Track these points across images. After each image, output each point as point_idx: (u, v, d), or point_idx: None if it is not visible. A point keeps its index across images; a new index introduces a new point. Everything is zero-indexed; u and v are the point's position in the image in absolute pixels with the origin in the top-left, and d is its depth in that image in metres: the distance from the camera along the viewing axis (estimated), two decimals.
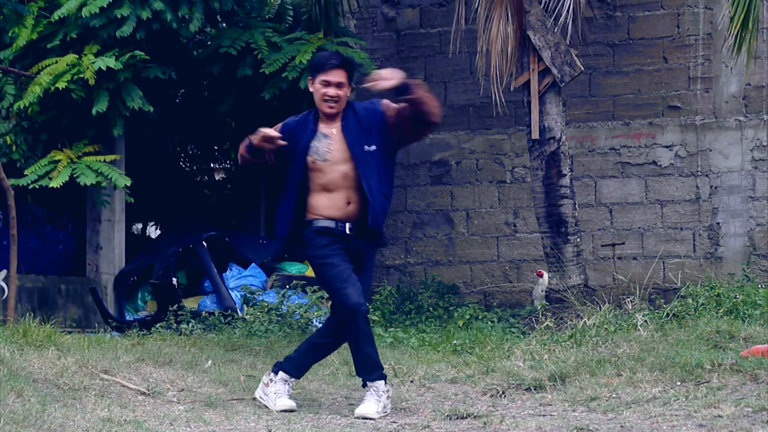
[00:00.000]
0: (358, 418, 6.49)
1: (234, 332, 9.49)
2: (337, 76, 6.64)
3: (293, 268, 12.23)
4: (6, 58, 11.48)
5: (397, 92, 6.53)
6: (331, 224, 6.62)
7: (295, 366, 6.81)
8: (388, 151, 6.71)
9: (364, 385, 6.63)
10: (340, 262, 6.56)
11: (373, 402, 6.55)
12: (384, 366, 7.86)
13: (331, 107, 6.65)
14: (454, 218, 13.09)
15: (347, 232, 6.61)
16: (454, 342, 9.07)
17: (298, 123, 6.76)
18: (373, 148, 6.62)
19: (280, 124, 6.78)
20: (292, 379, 6.82)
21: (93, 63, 10.86)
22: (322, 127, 6.68)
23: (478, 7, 10.92)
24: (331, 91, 6.63)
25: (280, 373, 6.77)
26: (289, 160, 6.67)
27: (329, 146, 6.63)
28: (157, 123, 13.05)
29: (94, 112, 11.07)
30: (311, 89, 6.74)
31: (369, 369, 6.60)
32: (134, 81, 11.26)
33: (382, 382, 6.60)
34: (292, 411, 6.66)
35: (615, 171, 12.52)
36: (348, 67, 6.73)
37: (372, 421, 6.39)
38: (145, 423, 6.03)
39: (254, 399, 6.84)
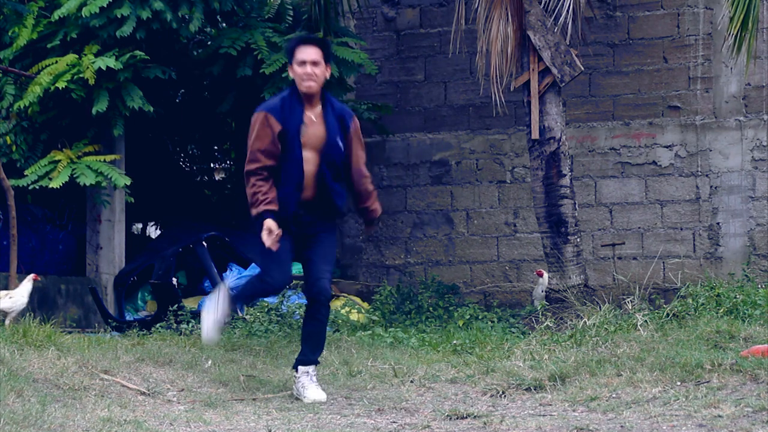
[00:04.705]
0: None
1: (234, 332, 9.49)
2: (312, 54, 6.79)
3: (293, 268, 12.21)
4: (6, 58, 11.48)
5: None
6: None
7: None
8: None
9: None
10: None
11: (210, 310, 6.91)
12: (384, 366, 7.89)
13: (309, 86, 6.77)
14: (454, 218, 13.09)
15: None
16: (454, 342, 9.07)
17: (284, 106, 6.84)
18: (341, 144, 6.90)
19: (265, 113, 6.81)
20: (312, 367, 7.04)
21: (93, 63, 10.86)
22: (307, 111, 6.84)
23: (478, 7, 10.92)
24: (308, 68, 6.76)
25: (300, 367, 7.03)
26: (286, 144, 6.79)
27: (314, 130, 6.85)
28: (157, 123, 13.05)
29: (94, 112, 11.07)
30: (291, 74, 6.88)
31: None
32: (134, 81, 11.26)
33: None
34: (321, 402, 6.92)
35: (615, 171, 12.52)
36: (322, 46, 6.88)
37: (372, 422, 6.39)
38: (145, 423, 6.03)
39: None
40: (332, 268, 7.09)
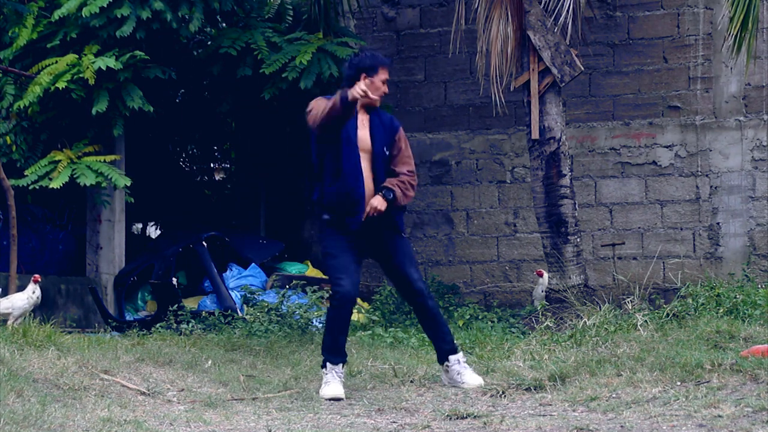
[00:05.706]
0: (329, 399, 7.01)
1: (234, 332, 9.49)
2: (388, 75, 7.35)
3: (293, 268, 12.23)
4: (6, 58, 11.48)
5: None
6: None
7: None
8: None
9: (324, 366, 7.20)
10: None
11: (339, 383, 7.14)
12: (384, 366, 7.88)
13: (378, 102, 7.27)
14: (454, 218, 13.09)
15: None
16: None
17: None
18: (387, 153, 7.32)
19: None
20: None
21: (93, 63, 10.86)
22: (359, 115, 7.25)
23: (478, 7, 10.92)
24: (385, 88, 7.29)
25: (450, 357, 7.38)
26: (336, 139, 7.12)
27: (363, 133, 7.27)
28: (157, 123, 13.05)
29: (94, 112, 11.07)
30: (363, 83, 7.10)
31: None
32: (134, 81, 11.26)
33: (340, 365, 7.21)
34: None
35: (615, 171, 12.52)
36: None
37: (372, 422, 6.39)
38: (145, 423, 6.03)
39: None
40: (417, 267, 7.44)
